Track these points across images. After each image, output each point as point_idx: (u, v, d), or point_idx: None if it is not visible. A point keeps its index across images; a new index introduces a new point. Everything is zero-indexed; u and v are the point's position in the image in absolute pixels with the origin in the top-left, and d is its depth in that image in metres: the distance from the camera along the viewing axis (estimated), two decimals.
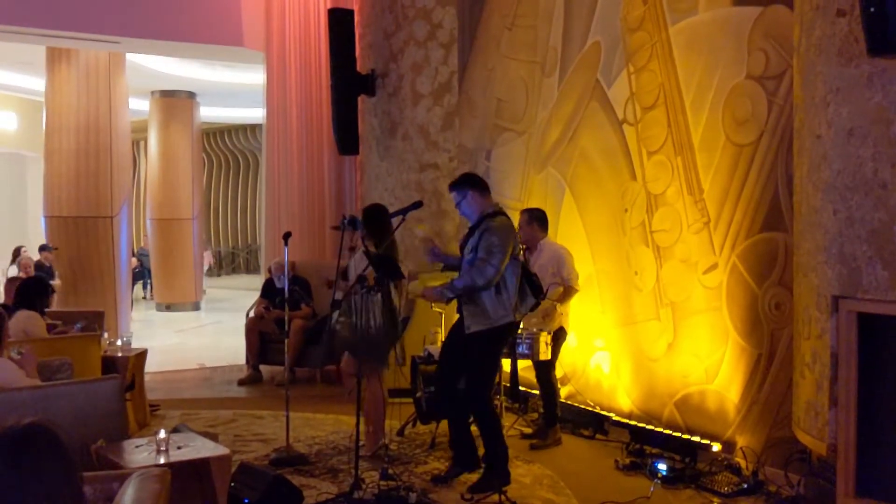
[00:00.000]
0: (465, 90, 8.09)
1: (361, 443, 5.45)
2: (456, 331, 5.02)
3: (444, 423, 5.47)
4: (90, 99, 12.20)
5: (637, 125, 6.01)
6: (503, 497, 4.60)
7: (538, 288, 5.07)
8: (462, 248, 5.03)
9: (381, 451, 5.38)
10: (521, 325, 5.86)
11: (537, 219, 6.18)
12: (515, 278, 4.88)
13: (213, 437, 4.67)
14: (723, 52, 5.28)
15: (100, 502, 2.44)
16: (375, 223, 5.47)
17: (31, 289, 6.29)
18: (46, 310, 6.46)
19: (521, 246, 5.44)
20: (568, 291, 5.96)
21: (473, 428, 5.08)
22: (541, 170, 7.10)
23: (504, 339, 5.01)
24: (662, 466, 5.05)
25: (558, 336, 5.98)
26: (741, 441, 5.10)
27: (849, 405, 4.08)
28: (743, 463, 4.98)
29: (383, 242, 5.31)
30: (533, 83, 7.22)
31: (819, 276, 4.19)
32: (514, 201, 7.40)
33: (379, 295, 5.27)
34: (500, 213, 4.98)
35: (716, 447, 5.18)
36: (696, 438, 5.33)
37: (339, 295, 5.43)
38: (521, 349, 5.57)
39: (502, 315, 4.81)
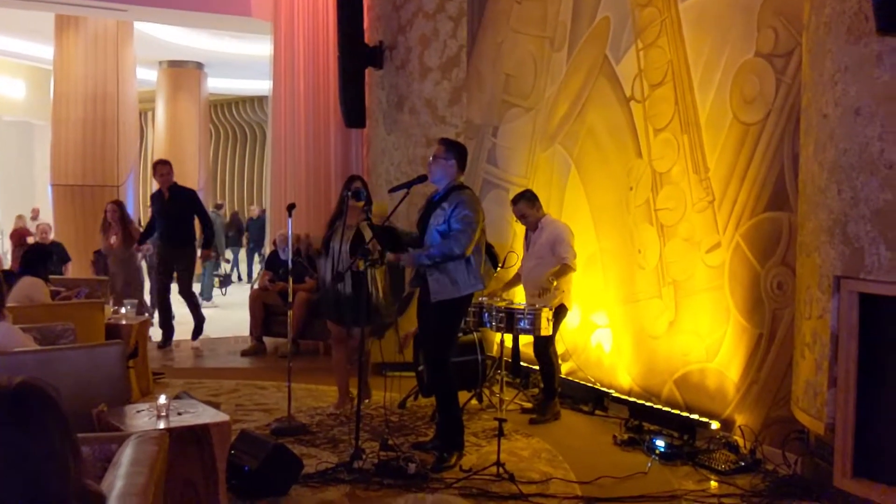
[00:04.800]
0: (474, 64, 8.05)
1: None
2: (423, 303, 5.07)
3: None
4: (98, 68, 12.21)
5: (644, 102, 5.97)
6: (501, 469, 4.63)
7: (495, 259, 5.40)
8: (422, 220, 5.04)
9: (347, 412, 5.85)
10: (524, 304, 5.90)
11: (529, 200, 6.16)
12: (482, 249, 5.03)
13: (216, 406, 4.70)
14: (732, 29, 5.24)
15: (98, 463, 2.46)
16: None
17: (36, 255, 6.31)
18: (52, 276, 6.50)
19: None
20: (563, 269, 5.91)
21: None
22: (547, 147, 7.07)
23: (466, 307, 5.08)
24: (660, 443, 5.07)
25: (559, 312, 5.98)
26: (740, 419, 5.11)
27: (848, 385, 4.08)
28: (741, 441, 5.00)
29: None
30: (542, 58, 7.18)
31: (822, 256, 4.18)
32: (520, 178, 7.38)
33: (384, 267, 5.36)
34: (466, 186, 5.08)
35: (714, 425, 5.20)
36: (694, 416, 5.35)
37: (341, 267, 5.48)
38: (523, 324, 5.56)
39: (472, 284, 4.90)
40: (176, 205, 8.41)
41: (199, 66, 16.12)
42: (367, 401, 6.03)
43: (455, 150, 5.03)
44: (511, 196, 6.53)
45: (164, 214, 8.45)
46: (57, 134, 12.27)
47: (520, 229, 6.58)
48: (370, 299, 5.41)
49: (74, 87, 12.06)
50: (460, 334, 5.86)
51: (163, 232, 8.44)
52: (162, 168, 8.46)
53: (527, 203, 6.16)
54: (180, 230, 8.41)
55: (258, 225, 15.50)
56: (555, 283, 5.81)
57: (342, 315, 5.79)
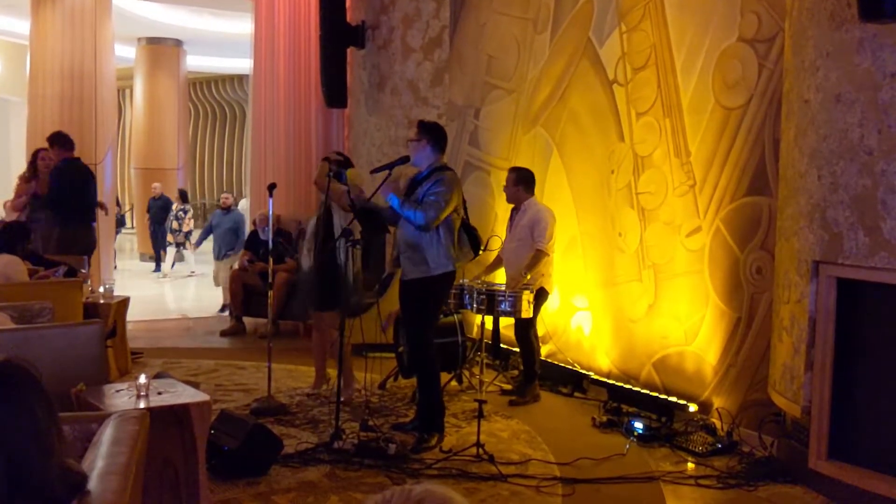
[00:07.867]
0: (457, 45, 8.01)
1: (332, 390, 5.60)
2: (402, 283, 5.10)
3: None
4: (75, 44, 12.02)
5: (627, 86, 5.98)
6: (480, 450, 4.65)
7: (477, 242, 5.24)
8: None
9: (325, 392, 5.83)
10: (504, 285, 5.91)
11: (524, 180, 6.15)
12: (454, 230, 4.99)
13: (195, 386, 4.68)
14: (715, 14, 5.25)
15: (78, 443, 2.44)
16: None
17: (13, 233, 6.24)
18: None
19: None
20: (536, 257, 5.88)
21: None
22: (529, 129, 7.07)
23: (442, 288, 5.03)
24: (638, 425, 5.11)
25: (539, 296, 5.99)
26: (717, 402, 5.16)
27: (824, 369, 4.13)
28: (718, 424, 5.05)
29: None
30: (525, 40, 7.16)
31: (801, 241, 4.22)
32: (501, 160, 7.37)
33: (359, 248, 5.35)
34: (449, 167, 5.09)
35: (692, 407, 5.25)
36: (672, 398, 5.39)
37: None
38: (504, 307, 5.59)
39: (442, 264, 4.88)
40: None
41: (179, 43, 15.93)
42: (325, 386, 6.01)
43: (427, 132, 4.98)
44: (493, 176, 6.53)
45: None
46: (33, 111, 12.08)
47: (501, 212, 6.59)
48: (341, 280, 5.41)
49: (51, 64, 11.87)
50: (441, 316, 5.86)
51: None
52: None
53: (514, 178, 6.12)
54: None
55: (159, 205, 14.58)
56: (528, 277, 5.80)
57: (314, 298, 5.77)
